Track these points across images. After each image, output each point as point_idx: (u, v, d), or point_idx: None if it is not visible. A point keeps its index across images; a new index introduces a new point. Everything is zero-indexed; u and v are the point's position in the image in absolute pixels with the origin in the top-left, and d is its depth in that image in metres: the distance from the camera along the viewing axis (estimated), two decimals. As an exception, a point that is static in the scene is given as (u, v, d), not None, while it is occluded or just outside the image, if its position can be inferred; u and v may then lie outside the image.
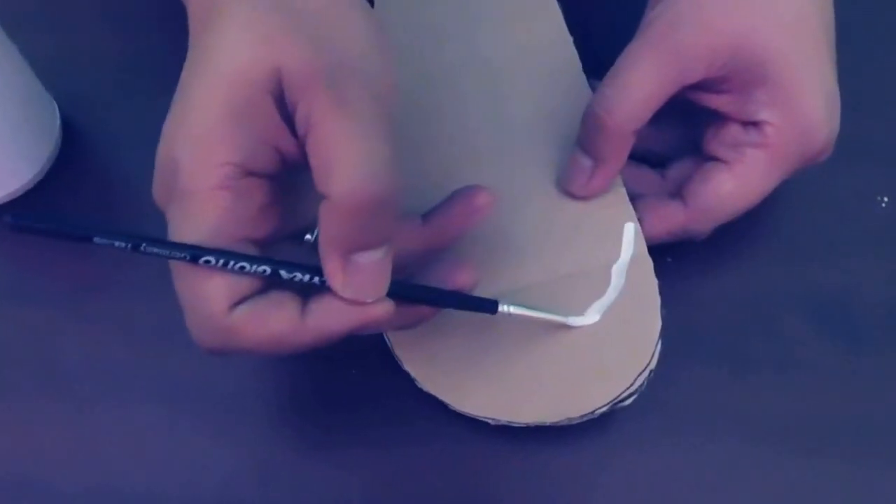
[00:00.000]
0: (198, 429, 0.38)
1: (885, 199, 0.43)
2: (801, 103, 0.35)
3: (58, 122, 0.44)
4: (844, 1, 0.37)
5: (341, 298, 0.29)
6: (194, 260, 0.28)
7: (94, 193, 0.43)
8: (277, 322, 0.29)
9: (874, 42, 0.46)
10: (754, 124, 0.36)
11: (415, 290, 0.32)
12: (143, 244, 0.28)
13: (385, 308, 0.30)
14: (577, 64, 0.41)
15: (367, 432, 0.38)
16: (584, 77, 0.41)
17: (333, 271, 0.29)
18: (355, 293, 0.29)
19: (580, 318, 0.37)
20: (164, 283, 0.29)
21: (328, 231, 0.28)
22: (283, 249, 0.31)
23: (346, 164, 0.27)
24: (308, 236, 0.32)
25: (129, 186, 0.43)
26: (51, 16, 0.48)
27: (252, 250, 0.29)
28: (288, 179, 0.30)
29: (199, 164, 0.28)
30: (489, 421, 0.36)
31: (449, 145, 0.40)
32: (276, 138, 0.29)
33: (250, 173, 0.28)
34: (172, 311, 0.29)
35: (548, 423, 0.36)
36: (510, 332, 0.37)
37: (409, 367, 0.37)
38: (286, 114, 0.28)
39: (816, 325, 0.40)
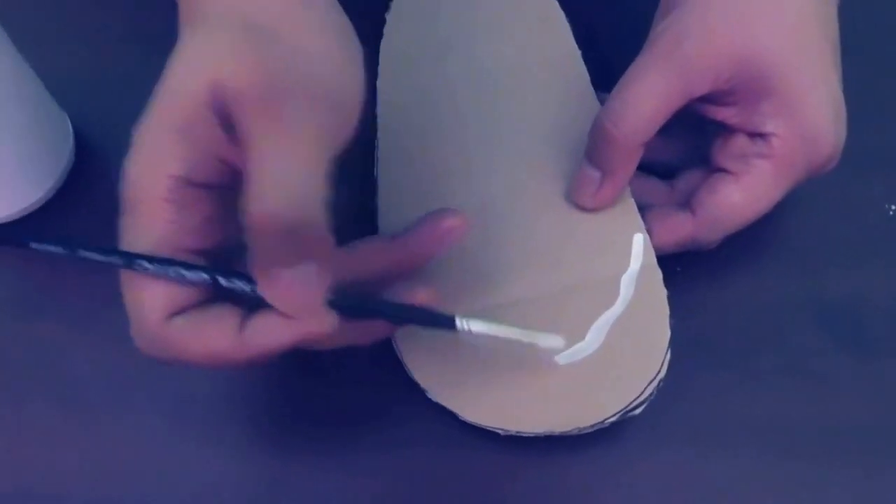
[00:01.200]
0: (204, 440, 0.38)
1: (894, 206, 0.43)
2: (807, 114, 0.35)
3: (71, 138, 0.44)
4: (850, 8, 0.37)
5: (279, 313, 0.29)
6: (130, 266, 0.28)
7: (108, 209, 0.41)
8: (214, 335, 0.29)
9: (880, 49, 0.46)
10: (761, 135, 0.36)
11: (363, 305, 0.31)
12: (79, 249, 0.29)
13: (326, 323, 0.29)
14: (585, 77, 0.41)
15: (375, 442, 0.38)
16: (592, 90, 0.41)
17: (260, 282, 0.29)
18: (283, 306, 0.29)
19: (549, 339, 0.34)
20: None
21: (250, 244, 0.28)
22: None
23: (261, 185, 0.27)
24: None
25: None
26: (64, 32, 0.48)
27: (198, 261, 0.29)
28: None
29: (143, 176, 0.29)
30: (498, 431, 0.36)
31: (458, 158, 0.40)
32: (222, 151, 0.29)
33: (195, 185, 0.29)
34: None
35: (557, 433, 0.36)
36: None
37: (419, 376, 0.37)
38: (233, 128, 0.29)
39: (826, 334, 0.40)
